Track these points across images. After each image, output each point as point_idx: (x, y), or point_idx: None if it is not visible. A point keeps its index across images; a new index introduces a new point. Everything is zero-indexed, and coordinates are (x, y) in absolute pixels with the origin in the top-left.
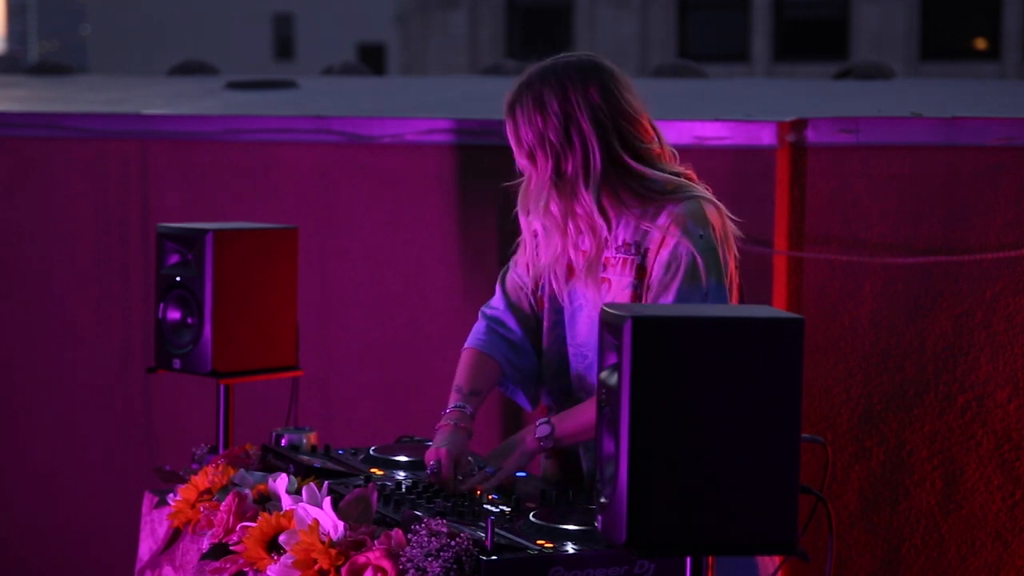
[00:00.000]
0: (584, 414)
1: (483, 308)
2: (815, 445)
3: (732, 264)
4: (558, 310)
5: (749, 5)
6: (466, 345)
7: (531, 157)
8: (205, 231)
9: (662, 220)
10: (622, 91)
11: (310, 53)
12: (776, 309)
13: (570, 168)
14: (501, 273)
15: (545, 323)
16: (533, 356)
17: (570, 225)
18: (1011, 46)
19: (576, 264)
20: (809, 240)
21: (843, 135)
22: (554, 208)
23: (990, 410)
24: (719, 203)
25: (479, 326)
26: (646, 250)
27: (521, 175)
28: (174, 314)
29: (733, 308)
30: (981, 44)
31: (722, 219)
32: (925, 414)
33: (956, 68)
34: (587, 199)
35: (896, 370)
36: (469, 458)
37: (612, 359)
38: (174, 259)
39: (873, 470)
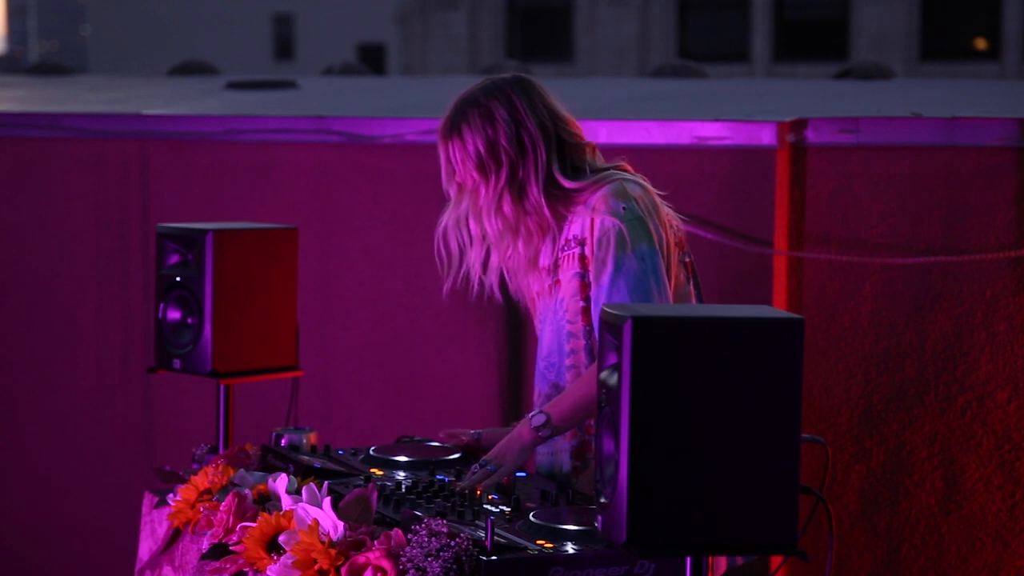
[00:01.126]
0: (575, 393)
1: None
2: (815, 445)
3: (670, 238)
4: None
5: (749, 5)
6: None
7: (482, 168)
8: (205, 231)
9: (588, 206)
10: (552, 99)
11: (310, 53)
12: (776, 309)
13: (521, 171)
14: None
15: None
16: None
17: (522, 224)
18: (1011, 46)
19: (525, 262)
20: (809, 240)
21: (843, 135)
22: (507, 209)
23: (990, 410)
24: (645, 183)
25: None
26: (584, 239)
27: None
28: (174, 314)
29: (733, 308)
30: (981, 44)
31: (648, 194)
32: (925, 414)
33: (956, 68)
34: (536, 195)
35: (896, 370)
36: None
37: (612, 359)
38: (174, 259)
39: (873, 470)
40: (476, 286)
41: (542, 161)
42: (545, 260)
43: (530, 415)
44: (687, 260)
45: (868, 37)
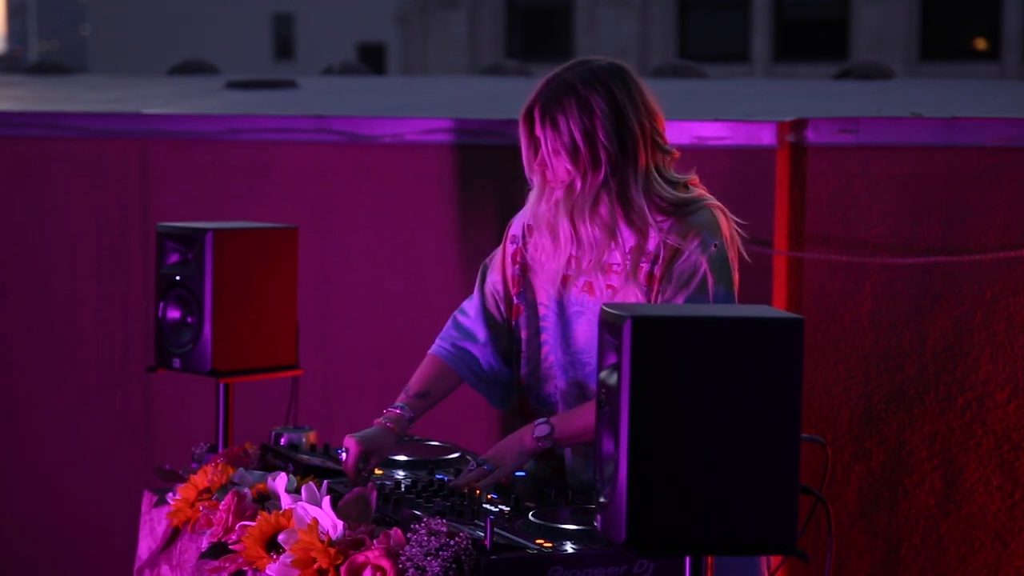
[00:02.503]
0: (585, 416)
1: (456, 312)
2: (815, 445)
3: (736, 267)
4: (537, 319)
5: (749, 5)
6: (430, 351)
7: (577, 162)
8: (205, 231)
9: (680, 229)
10: (648, 93)
11: (310, 53)
12: (776, 309)
13: (621, 170)
14: (479, 275)
15: (524, 333)
16: (500, 363)
17: (621, 225)
18: (1011, 46)
19: (627, 265)
20: (809, 240)
21: (843, 135)
22: (603, 210)
23: (990, 410)
24: (725, 208)
25: (446, 332)
26: (657, 256)
27: (530, 183)
28: (174, 313)
29: (733, 308)
30: (981, 44)
31: (730, 225)
32: (925, 414)
33: (956, 68)
34: (639, 200)
35: (896, 370)
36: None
37: (612, 359)
38: (174, 259)
39: (873, 470)
40: (514, 287)
41: (643, 162)
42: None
43: (535, 423)
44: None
45: (868, 37)
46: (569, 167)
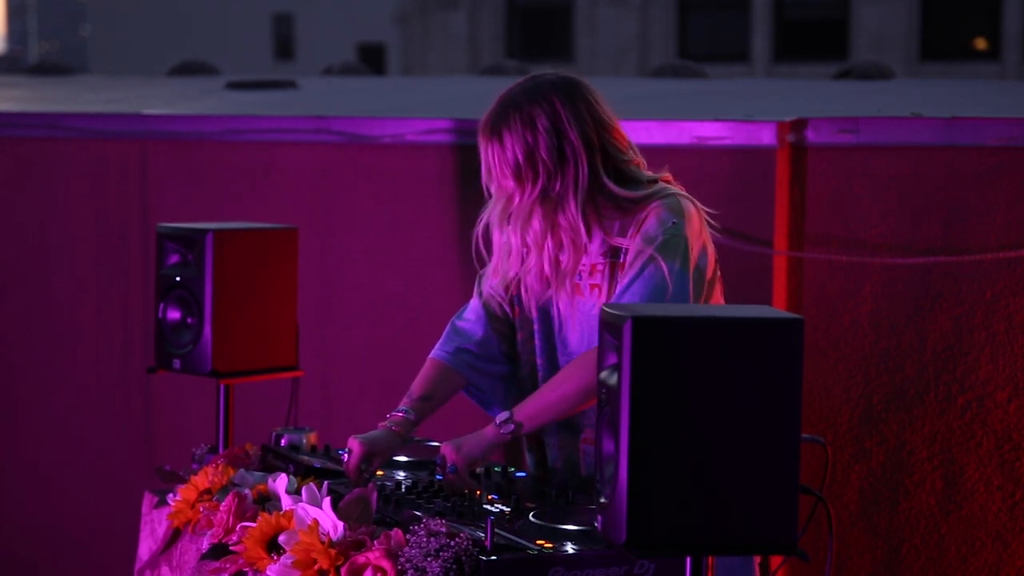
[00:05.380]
0: (542, 395)
1: (454, 318)
2: (815, 445)
3: (712, 258)
4: (529, 323)
5: (749, 5)
6: (430, 355)
7: (518, 177)
8: (205, 231)
9: (638, 219)
10: (601, 104)
11: (310, 53)
12: (776, 309)
13: (559, 184)
14: (477, 279)
15: (518, 335)
16: (503, 363)
17: (549, 240)
18: (1011, 46)
19: (551, 276)
20: (809, 240)
21: (843, 135)
22: (536, 224)
23: (990, 410)
24: (696, 201)
25: (445, 337)
26: (627, 251)
27: (490, 196)
28: (174, 314)
29: (733, 308)
30: (981, 44)
31: (699, 214)
32: (925, 414)
33: (956, 68)
34: (573, 212)
35: (896, 370)
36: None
37: (612, 359)
38: (174, 259)
39: (873, 470)
40: (513, 288)
41: (583, 175)
42: (585, 260)
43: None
44: (719, 274)
45: (868, 37)
46: (511, 182)
